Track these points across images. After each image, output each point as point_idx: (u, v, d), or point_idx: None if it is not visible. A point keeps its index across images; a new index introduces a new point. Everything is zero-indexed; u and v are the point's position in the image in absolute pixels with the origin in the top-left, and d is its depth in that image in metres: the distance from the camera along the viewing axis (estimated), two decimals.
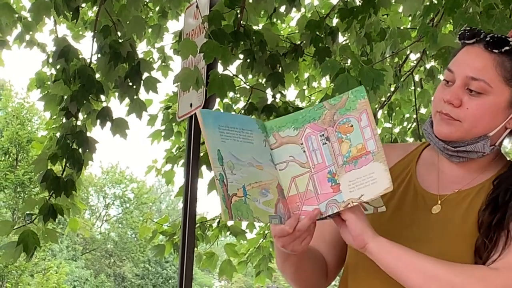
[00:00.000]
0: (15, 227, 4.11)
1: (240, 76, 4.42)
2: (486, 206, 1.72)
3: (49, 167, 4.22)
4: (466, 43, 1.78)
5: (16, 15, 5.04)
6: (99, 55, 4.30)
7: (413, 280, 1.65)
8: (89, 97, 4.19)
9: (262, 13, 4.67)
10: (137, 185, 36.19)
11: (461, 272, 1.63)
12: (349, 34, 4.80)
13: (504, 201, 1.71)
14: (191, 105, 4.01)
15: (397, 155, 1.93)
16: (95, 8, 4.86)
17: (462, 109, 1.73)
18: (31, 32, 5.27)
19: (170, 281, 34.20)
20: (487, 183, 1.77)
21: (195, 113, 3.95)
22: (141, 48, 5.73)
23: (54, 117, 4.70)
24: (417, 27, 4.56)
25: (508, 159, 1.84)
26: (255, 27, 4.50)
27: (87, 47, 4.77)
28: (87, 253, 34.64)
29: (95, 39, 4.26)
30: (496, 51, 1.73)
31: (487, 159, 1.80)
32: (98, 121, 4.24)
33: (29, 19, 4.84)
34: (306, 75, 5.96)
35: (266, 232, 6.00)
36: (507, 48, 1.73)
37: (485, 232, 1.69)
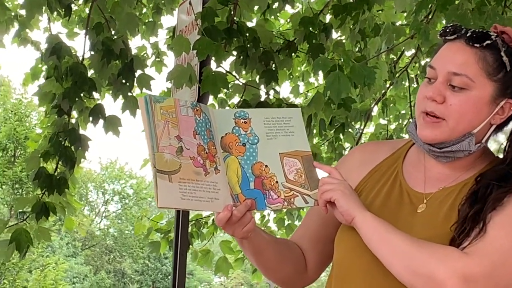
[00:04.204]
0: (7, 226, 4.11)
1: (233, 73, 4.40)
2: (465, 200, 1.71)
3: (41, 165, 4.21)
4: (447, 40, 1.77)
5: (13, 14, 5.04)
6: (92, 52, 4.29)
7: (381, 253, 1.67)
8: (81, 95, 4.18)
9: (256, 9, 4.65)
10: (136, 181, 36.18)
11: (427, 250, 1.63)
12: (343, 31, 4.79)
13: (483, 194, 1.69)
14: None
15: (384, 152, 1.93)
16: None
17: (446, 105, 1.72)
18: (27, 30, 5.27)
19: (169, 277, 34.12)
20: (471, 180, 1.76)
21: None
22: (135, 43, 5.72)
23: (49, 115, 4.69)
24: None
25: (495, 155, 1.83)
26: (248, 24, 4.49)
27: (82, 45, 4.76)
28: (86, 249, 34.65)
29: (87, 36, 4.25)
30: (478, 45, 1.72)
31: (473, 157, 1.79)
32: (91, 118, 4.23)
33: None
34: (300, 70, 5.95)
35: (263, 228, 5.98)
36: (488, 42, 1.72)
37: (461, 223, 1.68)
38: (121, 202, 36.41)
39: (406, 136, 6.02)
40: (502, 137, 1.81)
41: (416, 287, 1.63)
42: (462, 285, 1.58)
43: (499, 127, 1.78)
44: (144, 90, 4.41)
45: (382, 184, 1.86)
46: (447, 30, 1.78)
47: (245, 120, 1.82)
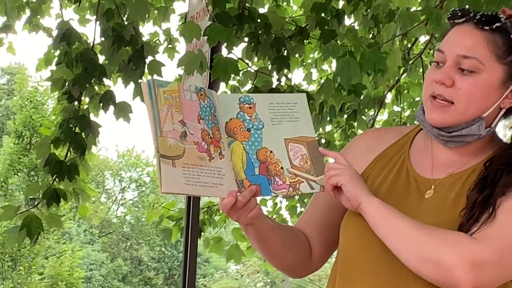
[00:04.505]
0: (18, 212, 4.11)
1: (245, 59, 4.38)
2: (474, 185, 1.69)
3: (52, 151, 4.21)
4: (456, 23, 1.75)
5: (24, 0, 5.04)
6: (103, 39, 4.27)
7: (389, 239, 1.64)
8: (92, 81, 4.17)
9: None
10: (153, 169, 36.26)
11: (435, 236, 1.61)
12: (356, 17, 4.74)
13: (493, 180, 1.67)
14: None
15: (390, 138, 1.90)
16: None
17: (455, 89, 1.69)
18: (38, 16, 5.27)
19: None
20: (480, 165, 1.73)
21: None
22: (147, 29, 5.71)
23: (61, 102, 4.69)
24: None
25: (504, 140, 1.80)
26: (260, 10, 4.46)
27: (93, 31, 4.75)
28: (103, 237, 34.80)
29: (98, 23, 4.24)
30: (487, 28, 1.69)
31: (482, 142, 1.76)
32: (101, 105, 4.23)
33: None
34: (313, 57, 5.91)
35: (275, 216, 5.98)
36: (498, 24, 1.69)
37: (470, 209, 1.66)
38: (138, 190, 36.52)
39: None
40: None
41: (424, 273, 1.61)
42: (471, 270, 1.56)
43: (509, 112, 1.76)
44: (155, 76, 4.39)
45: (388, 170, 1.83)
46: (456, 13, 1.75)
47: (250, 105, 1.80)
